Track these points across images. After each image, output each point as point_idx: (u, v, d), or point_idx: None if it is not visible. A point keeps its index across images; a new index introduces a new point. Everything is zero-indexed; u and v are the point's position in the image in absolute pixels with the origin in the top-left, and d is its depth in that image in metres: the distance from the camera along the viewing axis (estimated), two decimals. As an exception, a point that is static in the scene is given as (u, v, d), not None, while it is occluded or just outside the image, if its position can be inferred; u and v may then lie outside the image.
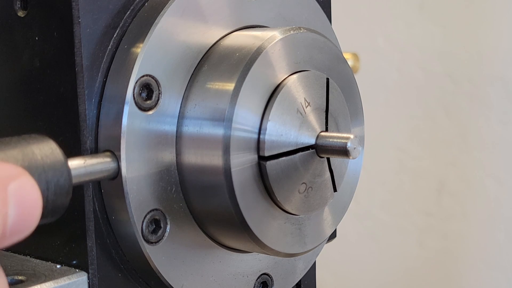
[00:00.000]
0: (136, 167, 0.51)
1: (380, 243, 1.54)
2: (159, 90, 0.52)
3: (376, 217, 1.53)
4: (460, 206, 1.44)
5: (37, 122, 0.54)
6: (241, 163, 0.52)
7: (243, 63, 0.52)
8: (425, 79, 1.44)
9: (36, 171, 0.41)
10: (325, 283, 1.57)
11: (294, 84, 0.54)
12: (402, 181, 1.50)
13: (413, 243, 1.49)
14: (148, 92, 0.52)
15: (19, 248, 0.56)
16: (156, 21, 0.52)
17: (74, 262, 0.53)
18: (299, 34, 0.55)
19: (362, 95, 0.60)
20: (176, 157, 0.53)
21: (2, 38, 0.55)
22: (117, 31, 0.53)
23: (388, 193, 1.51)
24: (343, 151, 0.53)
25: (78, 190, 0.51)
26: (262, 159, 0.52)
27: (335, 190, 0.57)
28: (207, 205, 0.54)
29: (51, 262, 0.54)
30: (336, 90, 0.57)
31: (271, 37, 0.54)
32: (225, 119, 0.51)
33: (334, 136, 0.54)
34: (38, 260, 0.54)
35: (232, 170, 0.51)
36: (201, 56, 0.55)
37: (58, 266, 0.53)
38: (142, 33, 0.52)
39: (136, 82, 0.51)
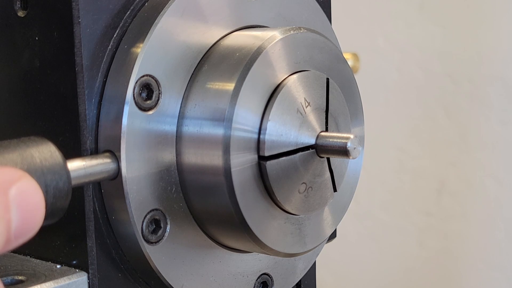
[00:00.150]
0: (136, 167, 0.51)
1: (380, 243, 1.54)
2: (159, 90, 0.52)
3: (376, 217, 1.53)
4: (460, 206, 1.44)
5: (37, 122, 0.54)
6: (241, 163, 0.52)
7: (243, 63, 0.52)
8: (425, 79, 1.44)
9: (35, 174, 0.41)
10: (325, 283, 1.57)
11: (294, 84, 0.54)
12: (402, 181, 1.49)
13: (413, 243, 1.49)
14: (148, 92, 0.52)
15: (19, 248, 0.56)
16: (156, 21, 0.52)
17: (74, 262, 0.53)
18: (299, 34, 0.55)
19: (362, 95, 0.60)
20: (176, 157, 0.53)
21: (2, 38, 0.55)
22: (117, 31, 0.53)
23: (388, 193, 1.51)
24: (343, 151, 0.53)
25: (78, 190, 0.51)
26: (262, 159, 0.52)
27: (335, 190, 0.57)
28: (207, 205, 0.54)
29: (51, 262, 0.54)
30: (336, 90, 0.57)
31: (271, 37, 0.54)
32: (225, 119, 0.51)
33: (334, 136, 0.54)
34: (38, 260, 0.54)
35: (232, 170, 0.51)
36: (201, 56, 0.55)
37: (58, 266, 0.53)
38: (142, 33, 0.52)
39: (136, 82, 0.51)
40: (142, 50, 0.52)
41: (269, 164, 0.52)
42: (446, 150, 1.44)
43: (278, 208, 0.54)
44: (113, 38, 0.53)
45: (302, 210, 0.55)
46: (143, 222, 0.52)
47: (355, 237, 1.55)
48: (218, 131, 0.52)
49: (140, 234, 0.52)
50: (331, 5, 0.65)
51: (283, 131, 0.53)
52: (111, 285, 0.53)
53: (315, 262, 0.65)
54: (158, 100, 0.52)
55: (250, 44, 0.53)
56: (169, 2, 0.53)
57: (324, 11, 0.63)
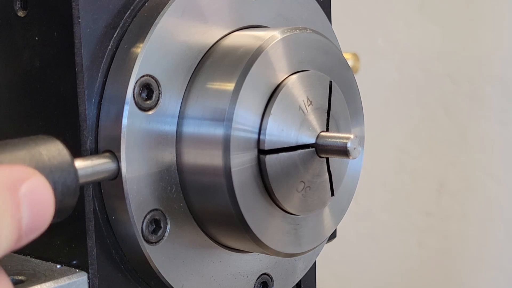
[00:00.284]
0: (136, 167, 0.51)
1: (380, 243, 1.54)
2: (159, 90, 0.52)
3: (376, 217, 1.53)
4: (460, 206, 1.44)
5: (37, 122, 0.54)
6: (241, 163, 0.52)
7: (243, 62, 0.52)
8: (425, 79, 1.44)
9: (43, 172, 0.41)
10: (325, 283, 1.57)
11: (297, 83, 0.54)
12: (402, 181, 1.50)
13: (413, 243, 1.49)
14: (148, 92, 0.52)
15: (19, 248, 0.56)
16: (156, 21, 0.52)
17: (74, 262, 0.53)
18: (304, 34, 0.55)
19: (362, 95, 0.60)
20: (176, 157, 0.53)
21: (2, 38, 0.55)
22: (117, 31, 0.53)
23: (388, 193, 1.51)
24: (343, 151, 0.53)
25: (78, 190, 0.51)
26: (261, 152, 0.52)
27: (332, 194, 0.57)
28: (207, 205, 0.54)
29: (51, 262, 0.54)
30: (338, 93, 0.57)
31: (272, 36, 0.54)
32: (225, 119, 0.51)
33: (334, 136, 0.54)
34: (38, 260, 0.54)
35: (232, 170, 0.51)
36: (201, 56, 0.55)
37: (58, 266, 0.53)
38: (142, 33, 0.52)
39: (136, 82, 0.51)
40: (142, 50, 0.52)
41: (269, 158, 0.52)
42: (446, 150, 1.44)
43: (277, 207, 0.54)
44: (113, 38, 0.53)
45: (300, 210, 0.55)
46: (143, 222, 0.52)
47: (355, 237, 1.55)
48: (218, 131, 0.52)
49: (140, 234, 0.52)
50: (331, 5, 0.65)
51: (284, 127, 0.53)
52: (111, 285, 0.53)
53: (315, 262, 0.65)
54: (158, 100, 0.52)
55: (251, 44, 0.53)
56: (169, 2, 0.53)
57: (324, 11, 0.63)
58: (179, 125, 0.53)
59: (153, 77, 0.52)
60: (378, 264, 1.54)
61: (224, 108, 0.52)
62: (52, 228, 0.46)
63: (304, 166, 0.54)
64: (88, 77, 0.51)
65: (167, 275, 0.54)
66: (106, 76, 0.52)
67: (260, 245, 0.54)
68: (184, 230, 0.55)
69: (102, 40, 0.52)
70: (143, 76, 0.52)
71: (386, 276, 1.54)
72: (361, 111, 0.60)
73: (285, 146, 0.53)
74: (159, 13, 0.53)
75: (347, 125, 0.58)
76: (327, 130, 0.56)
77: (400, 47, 1.46)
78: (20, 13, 0.53)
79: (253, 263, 0.59)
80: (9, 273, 0.51)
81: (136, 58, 0.51)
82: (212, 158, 0.52)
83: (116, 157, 0.51)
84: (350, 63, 0.67)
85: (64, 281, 0.51)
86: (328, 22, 0.64)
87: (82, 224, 0.52)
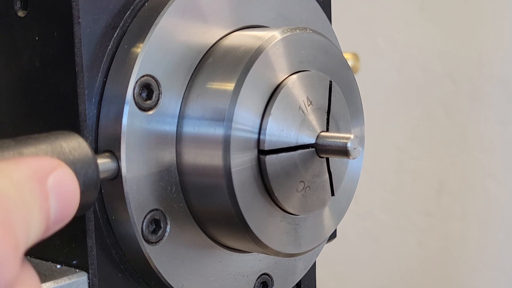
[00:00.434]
0: (136, 167, 0.51)
1: (380, 243, 1.54)
2: (159, 90, 0.52)
3: (376, 217, 1.53)
4: (460, 206, 1.44)
5: (37, 122, 0.54)
6: (241, 163, 0.52)
7: (243, 62, 0.52)
8: (425, 79, 1.44)
9: (65, 163, 0.42)
10: (325, 283, 1.57)
11: (297, 83, 0.54)
12: (402, 181, 1.50)
13: (413, 243, 1.49)
14: (148, 92, 0.52)
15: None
16: (156, 21, 0.52)
17: (74, 262, 0.53)
18: (305, 34, 0.55)
19: (362, 95, 0.60)
20: (176, 157, 0.53)
21: (2, 38, 0.55)
22: (117, 31, 0.53)
23: (388, 193, 1.51)
24: (343, 151, 0.53)
25: (78, 190, 0.51)
26: (261, 153, 0.52)
27: (332, 194, 0.57)
28: (207, 205, 0.54)
29: (51, 262, 0.54)
30: (339, 94, 0.57)
31: (272, 36, 0.54)
32: (225, 119, 0.51)
33: (334, 136, 0.54)
34: (38, 260, 0.54)
35: (232, 170, 0.51)
36: (201, 56, 0.55)
37: (58, 266, 0.53)
38: (142, 33, 0.52)
39: (136, 82, 0.51)
40: (142, 50, 0.52)
41: (269, 159, 0.52)
42: (446, 150, 1.44)
43: (277, 207, 0.54)
44: (113, 38, 0.53)
45: (300, 210, 0.55)
46: (143, 222, 0.52)
47: (355, 237, 1.55)
48: (218, 131, 0.52)
49: (140, 234, 0.52)
50: (331, 5, 0.65)
51: (284, 127, 0.53)
52: (111, 285, 0.53)
53: (315, 262, 0.65)
54: (158, 100, 0.52)
55: (251, 44, 0.53)
56: (169, 2, 0.53)
57: (324, 11, 0.63)
58: (179, 125, 0.53)
59: (153, 77, 0.52)
60: (378, 264, 1.54)
61: (224, 108, 0.52)
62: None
63: (304, 166, 0.54)
64: (88, 77, 0.51)
65: (167, 275, 0.54)
66: (106, 76, 0.52)
67: (260, 245, 0.54)
68: (184, 230, 0.55)
69: (102, 40, 0.52)
70: (143, 76, 0.52)
71: (386, 276, 1.54)
72: (361, 111, 0.60)
73: (285, 146, 0.53)
74: (159, 13, 0.53)
75: (347, 125, 0.58)
76: (327, 130, 0.56)
77: (400, 47, 1.46)
78: (20, 13, 0.53)
79: (253, 263, 0.59)
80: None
81: (136, 58, 0.51)
82: (212, 158, 0.52)
83: (116, 157, 0.51)
84: (350, 63, 0.67)
85: (64, 281, 0.51)
86: (328, 22, 0.64)
87: (82, 224, 0.52)
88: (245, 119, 0.52)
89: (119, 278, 0.54)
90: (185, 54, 0.54)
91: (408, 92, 1.47)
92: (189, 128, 0.53)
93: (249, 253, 0.59)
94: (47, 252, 0.54)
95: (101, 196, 0.52)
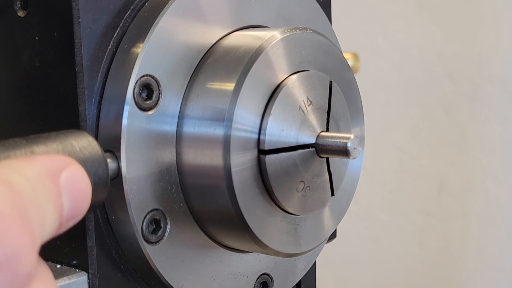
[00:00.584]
0: (136, 167, 0.51)
1: (380, 243, 1.54)
2: (159, 90, 0.52)
3: (376, 217, 1.53)
4: (460, 206, 1.44)
5: (37, 122, 0.54)
6: (241, 163, 0.52)
7: (243, 62, 0.52)
8: (425, 79, 1.44)
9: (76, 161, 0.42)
10: (325, 283, 1.57)
11: (297, 83, 0.54)
12: (402, 181, 1.50)
13: (413, 243, 1.49)
14: (148, 92, 0.52)
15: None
16: (156, 21, 0.52)
17: (74, 262, 0.53)
18: (305, 34, 0.55)
19: (362, 95, 0.60)
20: (176, 157, 0.53)
21: (2, 38, 0.55)
22: (117, 31, 0.53)
23: (388, 193, 1.51)
24: (343, 151, 0.53)
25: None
26: (261, 153, 0.52)
27: (332, 194, 0.57)
28: (207, 205, 0.54)
29: (51, 262, 0.54)
30: (339, 94, 0.57)
31: (272, 36, 0.54)
32: (225, 119, 0.51)
33: (334, 136, 0.54)
34: (38, 260, 0.54)
35: (232, 170, 0.51)
36: (201, 56, 0.55)
37: (58, 266, 0.53)
38: (142, 33, 0.52)
39: (136, 82, 0.51)
40: (142, 50, 0.52)
41: (269, 158, 0.52)
42: (446, 150, 1.44)
43: (277, 207, 0.54)
44: (113, 38, 0.53)
45: (300, 210, 0.55)
46: (143, 222, 0.52)
47: (355, 237, 1.55)
48: (218, 131, 0.52)
49: (140, 234, 0.52)
50: (331, 5, 0.65)
51: (284, 127, 0.53)
52: (111, 285, 0.53)
53: (315, 262, 0.65)
54: (158, 100, 0.52)
55: (251, 44, 0.53)
56: (169, 2, 0.53)
57: (324, 11, 0.63)
58: (179, 125, 0.53)
59: (153, 77, 0.52)
60: (378, 264, 1.54)
61: (224, 108, 0.52)
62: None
63: (304, 166, 0.54)
64: (88, 77, 0.51)
65: (167, 275, 0.54)
66: (106, 76, 0.52)
67: (260, 245, 0.54)
68: (184, 230, 0.55)
69: (102, 40, 0.52)
70: (143, 76, 0.52)
71: (386, 276, 1.54)
72: (361, 111, 0.60)
73: (285, 146, 0.53)
74: (159, 13, 0.53)
75: (347, 125, 0.58)
76: (327, 130, 0.56)
77: (400, 47, 1.46)
78: (20, 13, 0.53)
79: (253, 263, 0.59)
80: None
81: (136, 58, 0.51)
82: (212, 158, 0.52)
83: (116, 157, 0.51)
84: (350, 63, 0.67)
85: (64, 281, 0.51)
86: (328, 22, 0.64)
87: (82, 224, 0.52)
88: (245, 119, 0.52)
89: (119, 278, 0.54)
90: (185, 54, 0.54)
91: (408, 92, 1.47)
92: (189, 128, 0.53)
93: (249, 253, 0.59)
94: (47, 252, 0.54)
95: (101, 196, 0.52)
